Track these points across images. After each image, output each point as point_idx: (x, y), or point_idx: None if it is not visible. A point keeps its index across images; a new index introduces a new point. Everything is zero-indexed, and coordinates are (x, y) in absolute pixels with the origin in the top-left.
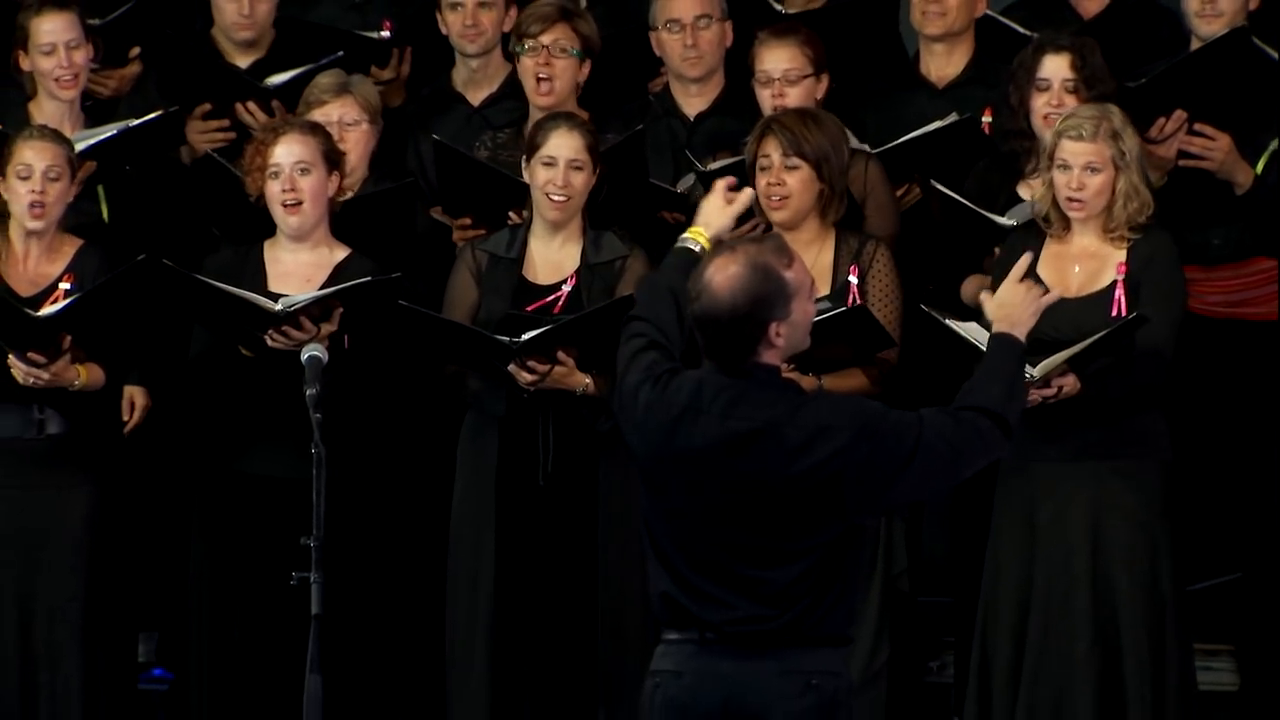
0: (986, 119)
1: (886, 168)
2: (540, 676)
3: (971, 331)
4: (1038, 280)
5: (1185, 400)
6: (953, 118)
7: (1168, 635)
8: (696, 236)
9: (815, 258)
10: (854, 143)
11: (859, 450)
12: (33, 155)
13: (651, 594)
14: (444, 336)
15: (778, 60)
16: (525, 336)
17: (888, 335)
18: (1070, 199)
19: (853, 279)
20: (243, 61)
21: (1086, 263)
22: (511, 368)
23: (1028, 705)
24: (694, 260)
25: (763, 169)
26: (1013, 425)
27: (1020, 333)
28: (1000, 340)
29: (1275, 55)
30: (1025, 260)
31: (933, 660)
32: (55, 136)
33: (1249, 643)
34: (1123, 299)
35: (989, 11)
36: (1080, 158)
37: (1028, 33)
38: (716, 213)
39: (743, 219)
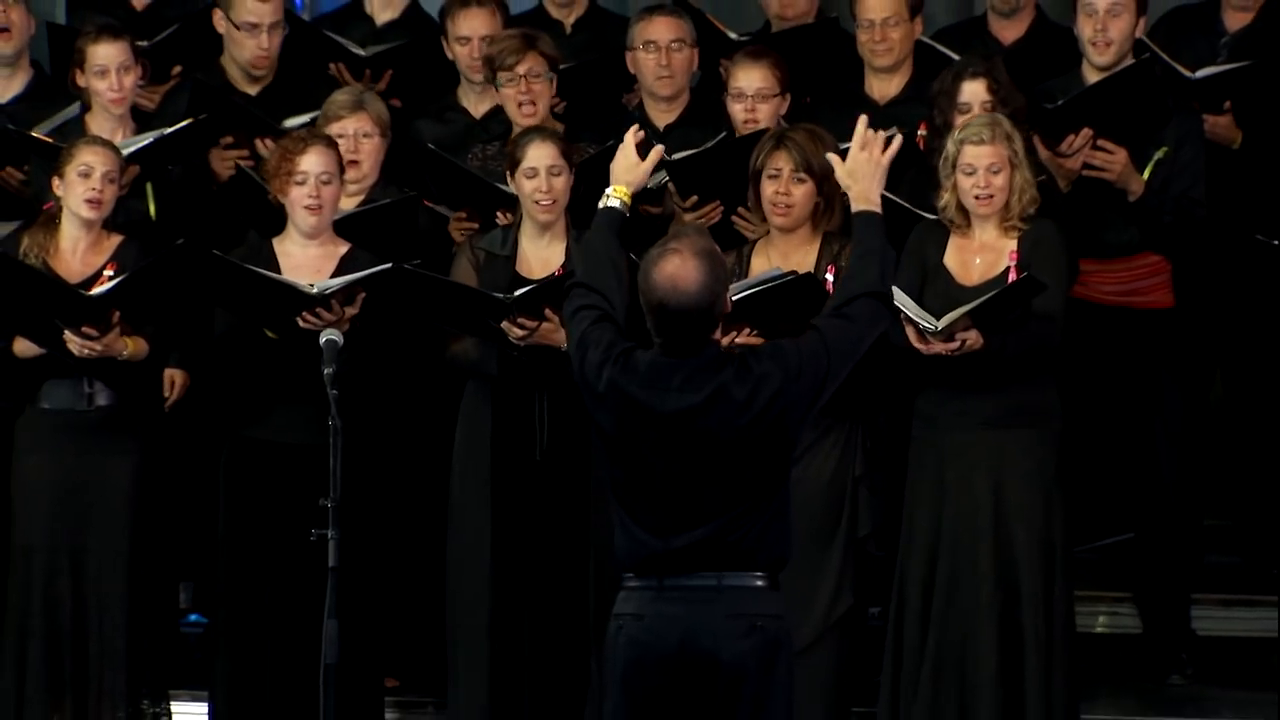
0: (921, 132)
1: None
2: (536, 624)
3: (902, 301)
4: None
5: (1083, 378)
6: (893, 131)
7: (1056, 583)
8: (619, 194)
9: (802, 258)
10: None
11: (792, 388)
12: (94, 158)
13: (618, 550)
14: (446, 296)
15: (751, 80)
16: (518, 292)
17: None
18: (979, 197)
19: (829, 276)
20: (252, 90)
21: (986, 254)
22: (504, 324)
23: (936, 643)
24: (620, 218)
25: (771, 178)
26: (890, 293)
27: (874, 202)
28: (862, 218)
29: (1184, 70)
30: (862, 122)
31: (873, 607)
32: (111, 145)
33: (1148, 591)
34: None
35: (923, 38)
36: (984, 160)
37: (957, 56)
38: (631, 169)
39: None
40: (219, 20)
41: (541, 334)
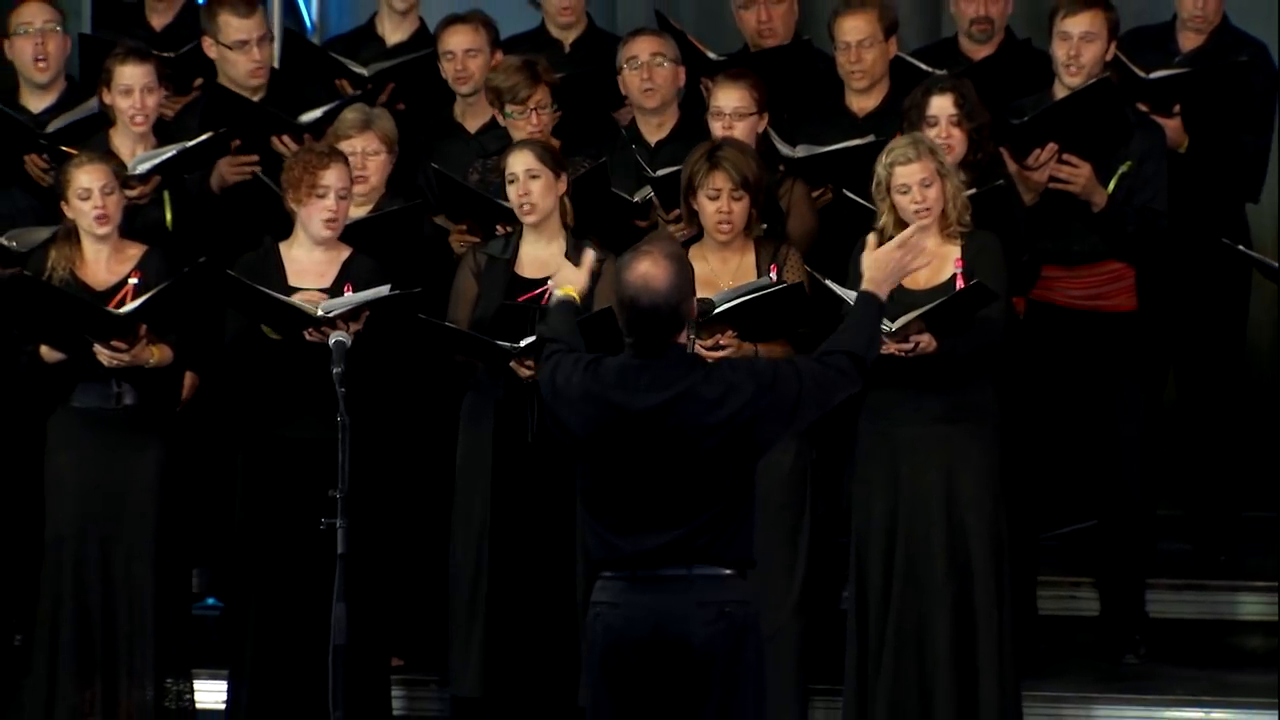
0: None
1: (811, 173)
2: (528, 607)
3: (846, 292)
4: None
5: (1049, 377)
6: (871, 138)
7: (1005, 567)
8: (568, 292)
9: (740, 259)
10: (786, 151)
11: (761, 400)
12: (88, 178)
13: (591, 552)
14: (456, 342)
15: (729, 99)
16: (522, 343)
17: (810, 312)
18: (917, 212)
19: (772, 275)
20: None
21: (931, 260)
22: (512, 364)
23: (896, 626)
24: (575, 308)
25: (711, 198)
26: (869, 364)
27: (882, 291)
28: (865, 296)
29: (1138, 71)
30: (911, 230)
31: (846, 590)
32: (102, 157)
33: (1106, 576)
34: (961, 286)
35: (900, 54)
36: (915, 177)
37: (932, 70)
38: (575, 274)
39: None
40: (209, 47)
41: None
